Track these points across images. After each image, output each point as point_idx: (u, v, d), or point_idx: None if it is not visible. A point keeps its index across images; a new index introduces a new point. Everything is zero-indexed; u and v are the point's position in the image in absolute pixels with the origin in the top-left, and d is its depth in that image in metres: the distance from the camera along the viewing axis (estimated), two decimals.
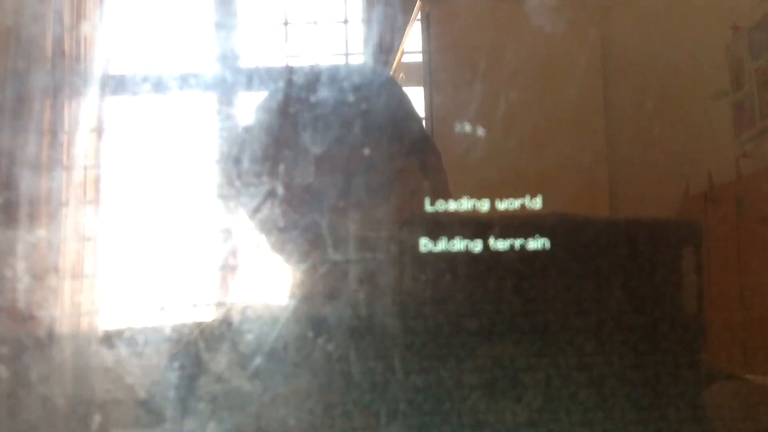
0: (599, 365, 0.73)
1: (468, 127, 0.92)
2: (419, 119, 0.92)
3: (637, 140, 1.33)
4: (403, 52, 1.79)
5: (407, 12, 1.60)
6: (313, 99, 0.77)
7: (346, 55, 2.28)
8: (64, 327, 1.62)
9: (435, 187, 0.87)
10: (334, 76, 0.78)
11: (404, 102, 0.91)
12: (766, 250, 1.02)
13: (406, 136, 0.86)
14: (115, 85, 2.10)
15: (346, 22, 2.42)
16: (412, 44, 1.65)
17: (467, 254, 0.73)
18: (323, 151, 0.75)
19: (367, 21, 2.37)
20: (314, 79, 0.78)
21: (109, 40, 2.10)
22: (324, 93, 0.77)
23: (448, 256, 0.73)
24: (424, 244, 0.74)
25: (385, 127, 0.81)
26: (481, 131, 0.93)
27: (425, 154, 0.88)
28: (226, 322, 0.79)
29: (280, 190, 0.76)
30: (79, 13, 2.12)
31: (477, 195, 0.99)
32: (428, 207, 0.81)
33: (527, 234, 0.75)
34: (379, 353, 0.70)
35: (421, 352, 0.71)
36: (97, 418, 0.77)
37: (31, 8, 1.67)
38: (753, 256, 1.03)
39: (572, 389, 0.72)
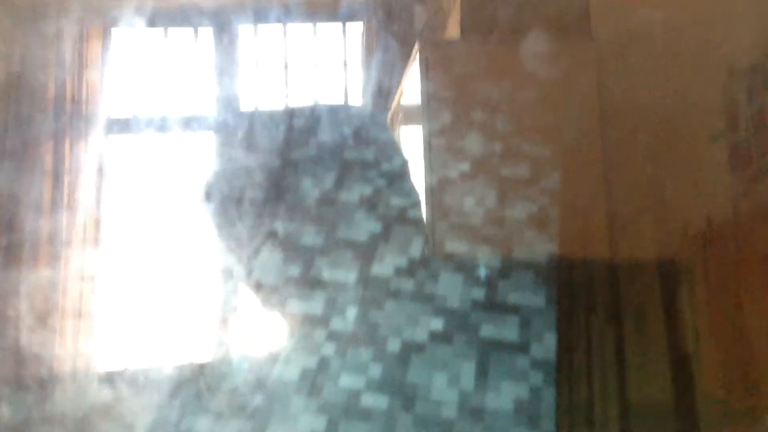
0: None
1: None
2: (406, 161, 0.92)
3: (635, 183, 1.34)
4: (402, 94, 1.81)
5: (405, 56, 1.62)
6: (306, 142, 0.78)
7: (346, 97, 2.31)
8: (65, 366, 1.62)
9: (418, 230, 0.86)
10: (324, 119, 0.79)
11: (391, 143, 0.91)
12: (765, 289, 1.02)
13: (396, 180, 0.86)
14: (118, 128, 2.13)
15: (345, 64, 2.45)
16: (411, 86, 1.67)
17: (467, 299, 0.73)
18: (317, 192, 0.76)
19: (366, 65, 2.40)
20: (311, 122, 0.79)
21: (112, 85, 2.13)
22: (313, 136, 0.78)
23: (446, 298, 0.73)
24: (423, 286, 0.75)
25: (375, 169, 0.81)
26: None
27: (410, 198, 0.88)
28: (226, 362, 0.79)
29: (280, 232, 0.76)
30: (82, 58, 2.15)
31: (476, 238, 1.00)
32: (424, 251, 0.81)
33: (526, 273, 0.76)
34: (382, 390, 0.70)
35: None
36: None
37: (36, 54, 1.69)
38: (752, 296, 1.04)
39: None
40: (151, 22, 1.97)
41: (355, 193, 0.74)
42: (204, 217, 0.79)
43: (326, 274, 0.73)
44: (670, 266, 0.90)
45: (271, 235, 0.74)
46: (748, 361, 1.00)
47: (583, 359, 0.85)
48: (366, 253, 0.74)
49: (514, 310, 0.73)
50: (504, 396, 0.68)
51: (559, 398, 0.69)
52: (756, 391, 0.97)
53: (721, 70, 1.12)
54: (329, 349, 0.72)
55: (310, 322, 0.75)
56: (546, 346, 0.72)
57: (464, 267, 0.79)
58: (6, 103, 1.79)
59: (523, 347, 0.71)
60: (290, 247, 0.75)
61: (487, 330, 0.71)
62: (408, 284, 0.74)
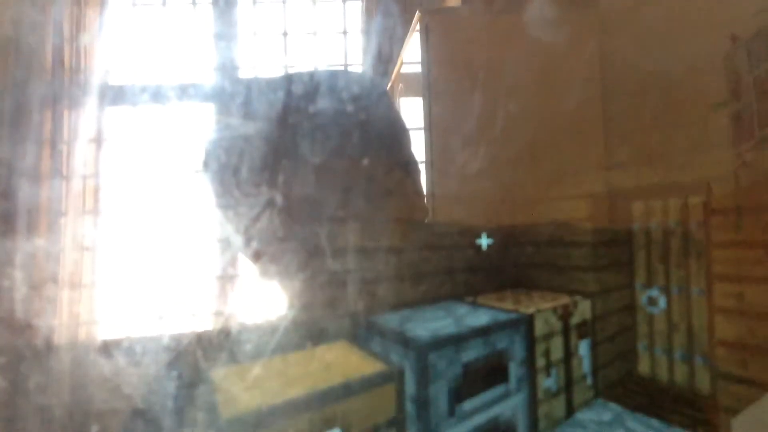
0: None
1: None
2: (407, 132, 0.91)
3: (636, 151, 1.33)
4: (402, 63, 1.80)
5: (406, 23, 1.60)
6: (305, 108, 0.77)
7: (346, 65, 2.29)
8: (62, 336, 1.62)
9: (416, 200, 0.86)
10: (323, 86, 0.78)
11: (394, 113, 0.90)
12: (766, 258, 1.02)
13: (398, 149, 0.85)
14: (115, 95, 2.11)
15: (345, 33, 2.43)
16: (412, 55, 1.66)
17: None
18: (319, 161, 0.75)
19: (367, 32, 2.38)
20: (310, 89, 0.78)
21: (109, 51, 2.11)
22: (315, 103, 0.76)
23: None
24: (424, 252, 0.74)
25: (378, 138, 0.80)
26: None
27: (410, 166, 0.87)
28: (224, 332, 0.79)
29: (278, 201, 0.75)
30: (78, 24, 2.13)
31: (476, 204, 0.99)
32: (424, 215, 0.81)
33: (524, 242, 0.75)
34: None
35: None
36: (94, 428, 0.77)
37: (31, 19, 1.67)
38: (753, 264, 1.03)
39: None
40: None
41: (354, 160, 0.74)
42: (202, 186, 0.78)
43: (325, 242, 0.72)
44: (670, 235, 0.89)
45: (270, 203, 0.74)
46: (748, 330, 1.00)
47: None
48: (365, 221, 0.73)
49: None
50: None
51: None
52: (756, 359, 0.98)
53: (723, 38, 1.11)
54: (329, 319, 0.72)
55: (310, 292, 0.75)
56: None
57: (465, 233, 0.78)
58: (2, 69, 1.77)
59: None
60: (288, 216, 0.74)
61: None
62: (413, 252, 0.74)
